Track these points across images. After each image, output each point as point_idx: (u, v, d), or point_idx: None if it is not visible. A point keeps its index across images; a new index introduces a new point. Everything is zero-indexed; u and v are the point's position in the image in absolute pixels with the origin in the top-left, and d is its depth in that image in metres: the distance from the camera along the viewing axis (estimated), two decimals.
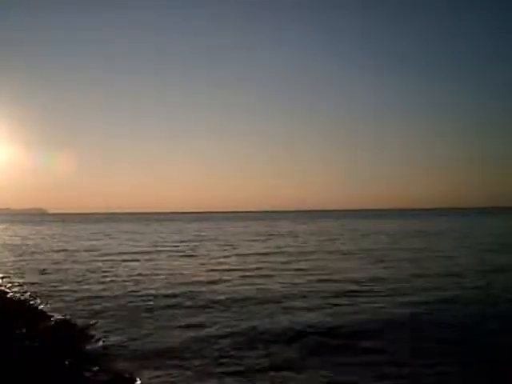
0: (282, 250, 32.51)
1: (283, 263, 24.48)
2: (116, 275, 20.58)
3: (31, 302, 13.90)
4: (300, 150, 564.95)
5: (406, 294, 15.32)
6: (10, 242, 43.38)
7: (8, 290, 16.33)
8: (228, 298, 14.86)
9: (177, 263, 25.23)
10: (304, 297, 15.13)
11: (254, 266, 23.47)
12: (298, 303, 14.13)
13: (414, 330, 11.11)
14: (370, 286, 16.92)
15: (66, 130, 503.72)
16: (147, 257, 28.57)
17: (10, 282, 18.48)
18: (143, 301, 14.69)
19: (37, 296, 15.23)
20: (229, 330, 11.03)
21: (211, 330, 11.06)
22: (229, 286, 17.34)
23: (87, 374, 7.96)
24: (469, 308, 13.34)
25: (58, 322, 11.28)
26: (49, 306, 13.79)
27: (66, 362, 8.29)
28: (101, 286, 17.51)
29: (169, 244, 39.09)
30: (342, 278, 18.87)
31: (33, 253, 32.11)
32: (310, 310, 13.26)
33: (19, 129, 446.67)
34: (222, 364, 8.85)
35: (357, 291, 15.99)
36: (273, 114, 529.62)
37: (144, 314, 12.85)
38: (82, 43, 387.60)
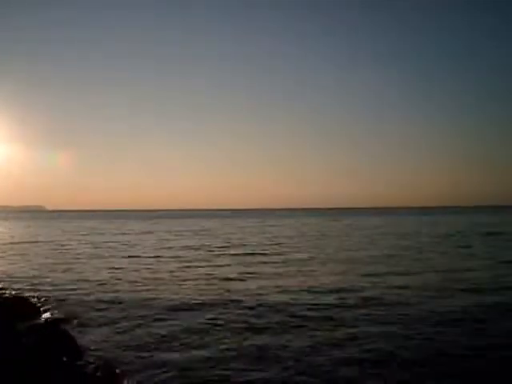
0: None
1: None
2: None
3: (31, 298, 13.71)
4: (300, 150, 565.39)
5: None
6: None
7: (8, 286, 16.15)
8: None
9: None
10: None
11: None
12: None
13: None
14: None
15: (66, 129, 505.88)
16: None
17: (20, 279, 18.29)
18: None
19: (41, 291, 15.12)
20: None
21: None
22: None
23: (86, 370, 7.84)
24: None
25: (56, 318, 11.15)
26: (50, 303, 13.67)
27: (65, 359, 8.17)
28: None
29: None
30: None
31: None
32: None
33: (19, 128, 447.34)
34: None
35: None
36: (273, 114, 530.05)
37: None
38: (83, 43, 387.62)
